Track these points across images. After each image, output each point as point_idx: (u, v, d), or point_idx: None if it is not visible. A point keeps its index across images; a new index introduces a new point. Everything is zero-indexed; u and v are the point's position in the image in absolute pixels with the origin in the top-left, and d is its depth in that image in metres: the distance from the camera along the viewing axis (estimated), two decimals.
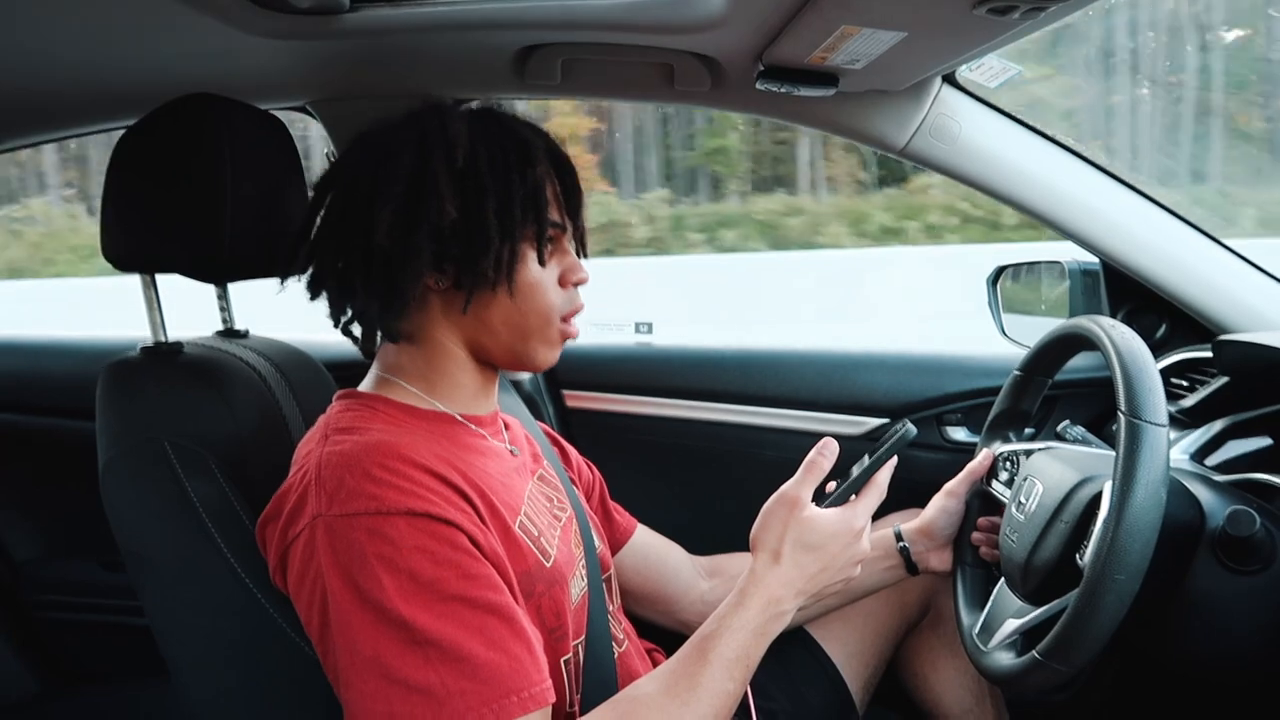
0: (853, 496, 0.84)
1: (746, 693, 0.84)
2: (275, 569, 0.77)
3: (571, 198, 0.87)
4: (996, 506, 1.06)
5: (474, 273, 0.81)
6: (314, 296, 0.86)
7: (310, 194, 0.87)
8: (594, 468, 1.14)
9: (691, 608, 1.11)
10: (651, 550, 1.12)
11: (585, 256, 0.91)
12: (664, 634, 1.09)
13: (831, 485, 0.85)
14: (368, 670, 0.67)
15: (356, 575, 0.68)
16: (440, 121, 0.82)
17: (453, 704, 0.66)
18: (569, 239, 0.89)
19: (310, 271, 0.86)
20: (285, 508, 0.76)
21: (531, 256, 0.83)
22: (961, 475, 1.09)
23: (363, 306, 0.83)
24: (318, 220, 0.86)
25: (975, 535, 1.06)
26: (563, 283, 0.87)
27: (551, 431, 1.11)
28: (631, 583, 1.10)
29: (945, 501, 1.08)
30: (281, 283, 0.89)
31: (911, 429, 0.84)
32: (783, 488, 0.83)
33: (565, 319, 0.88)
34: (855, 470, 0.85)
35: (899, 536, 1.08)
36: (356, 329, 0.86)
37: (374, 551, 0.69)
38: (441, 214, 0.78)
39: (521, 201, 0.81)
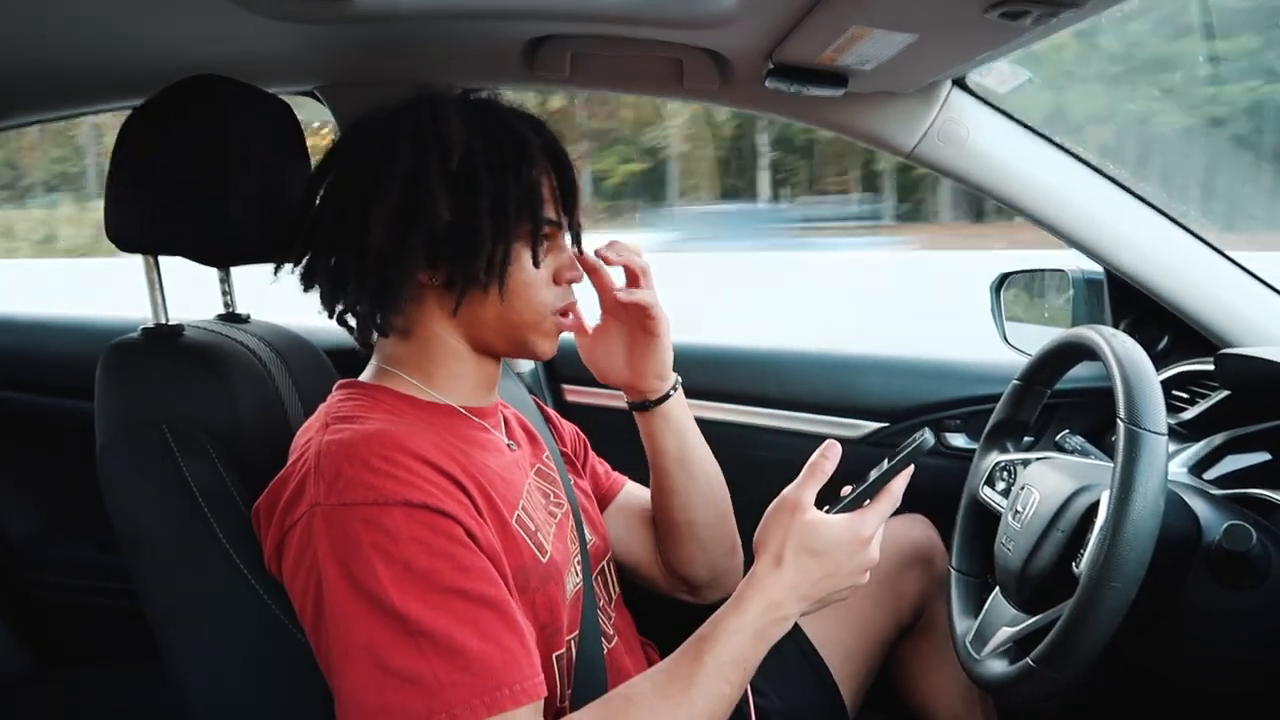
0: (866, 502, 0.82)
1: (746, 692, 0.83)
2: (270, 555, 0.77)
3: (568, 194, 0.87)
4: (993, 516, 1.05)
5: (466, 273, 0.80)
6: (307, 289, 0.86)
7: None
8: (578, 429, 1.13)
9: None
10: (635, 500, 1.12)
11: (581, 252, 0.91)
12: (660, 631, 1.09)
13: (847, 489, 0.83)
14: (360, 659, 0.67)
15: (352, 565, 0.68)
16: (435, 117, 0.81)
17: (444, 695, 0.66)
18: (564, 235, 0.88)
19: (304, 264, 0.86)
20: (283, 495, 0.75)
21: (526, 256, 0.83)
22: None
23: (356, 301, 0.83)
24: (312, 210, 0.85)
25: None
26: (556, 280, 0.87)
27: (541, 404, 1.11)
28: (620, 539, 1.09)
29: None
30: (275, 273, 0.89)
31: (930, 438, 0.81)
32: (785, 491, 0.82)
33: (559, 314, 0.88)
34: (872, 475, 0.83)
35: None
36: (351, 319, 0.86)
37: (370, 541, 0.68)
38: (436, 215, 0.78)
39: (516, 201, 0.80)
